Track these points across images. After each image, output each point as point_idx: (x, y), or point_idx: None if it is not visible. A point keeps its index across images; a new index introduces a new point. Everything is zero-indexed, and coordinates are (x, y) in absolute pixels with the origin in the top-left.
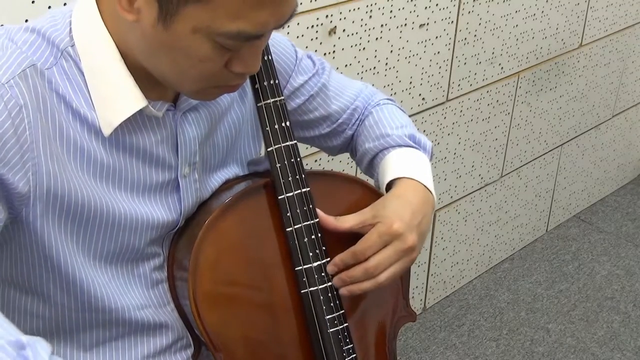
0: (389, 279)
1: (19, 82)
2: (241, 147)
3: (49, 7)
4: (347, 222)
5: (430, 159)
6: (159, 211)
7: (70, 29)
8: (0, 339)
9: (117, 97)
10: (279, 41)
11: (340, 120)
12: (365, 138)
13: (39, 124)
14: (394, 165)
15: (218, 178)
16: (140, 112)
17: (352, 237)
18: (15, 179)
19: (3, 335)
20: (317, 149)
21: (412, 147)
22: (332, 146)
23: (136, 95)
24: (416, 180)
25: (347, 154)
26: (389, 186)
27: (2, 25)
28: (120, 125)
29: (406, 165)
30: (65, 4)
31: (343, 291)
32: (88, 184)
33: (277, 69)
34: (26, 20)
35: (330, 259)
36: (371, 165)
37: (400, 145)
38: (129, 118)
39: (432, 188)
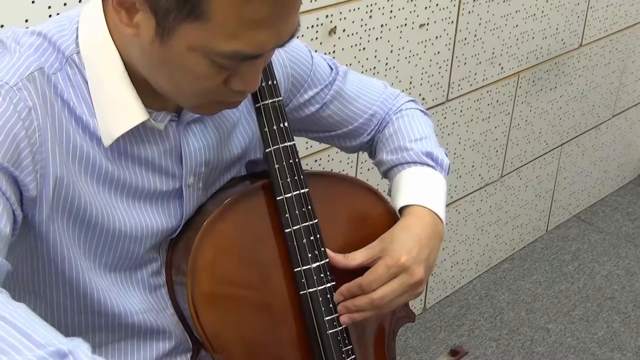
0: (392, 309)
1: (27, 84)
2: (251, 155)
3: (49, 7)
4: (356, 259)
5: (447, 175)
6: (160, 219)
7: (77, 35)
8: (40, 348)
9: (117, 110)
10: (294, 47)
11: (356, 125)
12: (382, 146)
13: (47, 126)
14: (406, 188)
15: (223, 182)
16: (142, 124)
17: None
18: (27, 181)
19: (44, 345)
20: (317, 149)
21: (428, 165)
22: (346, 147)
23: (137, 109)
24: (426, 208)
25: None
26: (400, 209)
27: (2, 26)
28: (122, 135)
29: (418, 190)
30: (65, 4)
31: (344, 318)
32: (90, 190)
33: (293, 77)
34: (26, 21)
35: (336, 282)
36: (386, 175)
37: (416, 163)
38: (130, 129)
39: (442, 214)
